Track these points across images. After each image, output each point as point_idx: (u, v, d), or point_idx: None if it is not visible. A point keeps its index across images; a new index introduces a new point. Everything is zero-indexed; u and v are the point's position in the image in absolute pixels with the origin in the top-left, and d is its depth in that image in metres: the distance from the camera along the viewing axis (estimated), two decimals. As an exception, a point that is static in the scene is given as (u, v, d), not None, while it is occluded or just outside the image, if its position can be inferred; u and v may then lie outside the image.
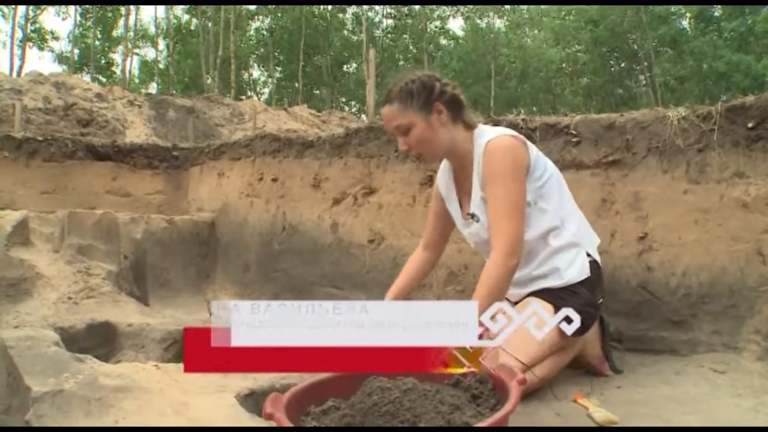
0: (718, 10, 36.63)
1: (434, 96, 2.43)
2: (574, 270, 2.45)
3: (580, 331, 2.43)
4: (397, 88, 2.45)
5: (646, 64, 38.87)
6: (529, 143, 2.49)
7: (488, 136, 2.42)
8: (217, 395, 2.40)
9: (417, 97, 2.42)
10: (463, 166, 2.55)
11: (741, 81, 30.46)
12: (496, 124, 3.56)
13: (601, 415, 2.09)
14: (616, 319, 2.95)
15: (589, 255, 2.53)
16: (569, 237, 2.48)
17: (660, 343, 2.91)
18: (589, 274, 2.47)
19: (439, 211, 2.78)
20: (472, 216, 2.53)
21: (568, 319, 2.36)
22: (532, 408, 2.23)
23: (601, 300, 2.56)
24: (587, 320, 2.43)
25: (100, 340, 3.77)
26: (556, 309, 2.33)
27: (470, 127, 2.53)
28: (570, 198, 2.62)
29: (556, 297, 2.40)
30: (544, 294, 2.43)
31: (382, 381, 1.60)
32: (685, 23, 39.61)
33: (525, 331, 2.31)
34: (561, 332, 2.34)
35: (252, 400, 2.47)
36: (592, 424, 2.06)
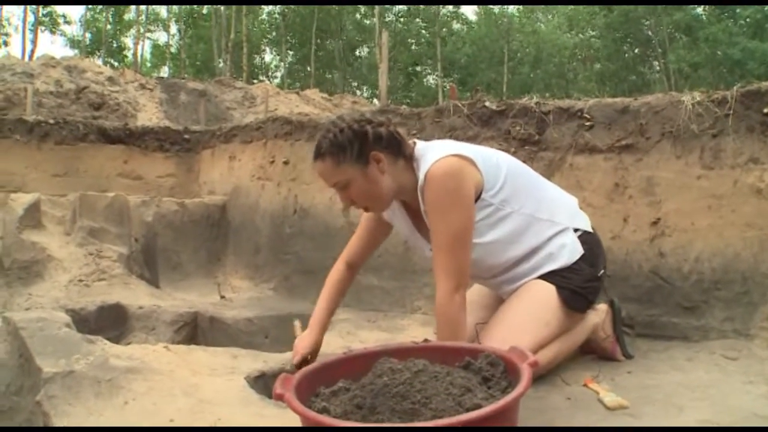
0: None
1: (369, 144, 2.19)
2: (566, 252, 2.38)
3: (586, 306, 2.42)
4: (326, 141, 2.20)
5: (660, 50, 38.61)
6: (477, 154, 2.28)
7: (428, 162, 2.18)
8: (227, 377, 2.41)
9: (350, 148, 2.18)
10: (414, 203, 2.32)
11: (756, 68, 30.19)
12: (508, 108, 3.55)
13: (611, 399, 2.08)
14: (628, 305, 2.94)
15: (577, 229, 2.45)
16: (548, 225, 2.39)
17: (672, 329, 2.90)
18: (583, 251, 2.40)
19: (373, 228, 2.61)
20: None
21: (570, 297, 2.37)
22: (543, 392, 2.23)
23: (603, 270, 2.49)
24: (591, 295, 2.42)
25: (110, 322, 3.80)
26: (558, 289, 2.33)
27: (411, 156, 2.30)
28: (536, 182, 2.49)
29: (557, 277, 2.36)
30: (544, 276, 2.37)
31: (393, 362, 1.60)
32: (700, 10, 39.26)
33: (531, 313, 2.31)
34: (567, 311, 2.35)
35: (262, 382, 2.48)
36: (602, 409, 2.05)
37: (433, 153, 2.22)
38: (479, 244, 2.30)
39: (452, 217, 2.15)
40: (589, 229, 2.51)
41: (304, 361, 2.40)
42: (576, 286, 2.35)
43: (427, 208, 2.21)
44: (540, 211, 2.38)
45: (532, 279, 2.38)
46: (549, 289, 2.34)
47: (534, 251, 2.38)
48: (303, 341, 2.48)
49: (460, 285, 2.16)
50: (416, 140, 2.37)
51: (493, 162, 2.33)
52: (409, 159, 2.29)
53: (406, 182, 2.28)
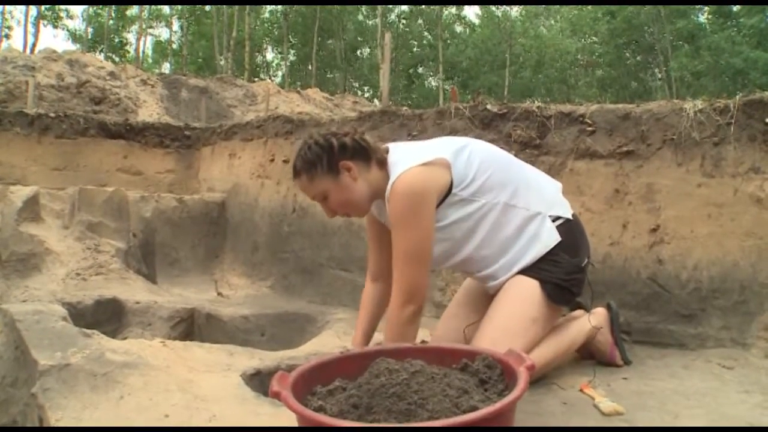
0: (736, 7, 36.23)
1: (336, 155, 2.30)
2: (541, 240, 2.38)
3: (571, 299, 2.43)
4: (299, 160, 2.35)
5: (662, 58, 38.60)
6: (449, 151, 2.32)
7: (395, 174, 2.24)
8: (222, 374, 2.41)
9: (319, 162, 2.30)
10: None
11: (758, 78, 30.16)
12: (509, 111, 3.55)
13: (607, 405, 2.08)
14: (626, 311, 2.94)
15: (558, 217, 2.43)
16: (523, 213, 2.38)
17: (668, 336, 2.91)
18: (560, 238, 2.38)
19: (378, 234, 2.62)
20: None
21: (554, 291, 2.36)
22: (539, 396, 2.23)
23: (586, 260, 2.48)
24: (575, 287, 2.41)
25: (107, 317, 3.79)
26: (542, 283, 2.33)
27: (385, 161, 2.37)
28: (513, 169, 2.47)
29: (538, 270, 2.35)
30: (526, 271, 2.37)
31: (390, 362, 1.59)
32: (702, 18, 39.23)
33: (517, 312, 2.32)
34: (552, 306, 2.35)
35: (257, 380, 2.48)
36: (597, 414, 2.06)
37: (401, 163, 2.27)
38: (456, 238, 2.35)
39: (411, 235, 2.21)
40: (569, 216, 2.48)
41: None
42: (559, 279, 2.35)
43: (390, 220, 2.27)
44: (515, 199, 2.38)
45: (514, 274, 2.38)
46: (532, 285, 2.34)
47: (511, 241, 2.38)
48: None
49: (410, 300, 2.23)
50: (389, 145, 2.44)
51: (464, 156, 2.35)
52: (382, 163, 2.37)
53: (382, 186, 2.32)
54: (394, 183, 2.22)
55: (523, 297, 2.33)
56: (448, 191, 2.29)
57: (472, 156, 2.37)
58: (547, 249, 2.37)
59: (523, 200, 2.39)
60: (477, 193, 2.32)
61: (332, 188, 2.32)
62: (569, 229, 2.44)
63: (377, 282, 2.67)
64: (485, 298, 2.55)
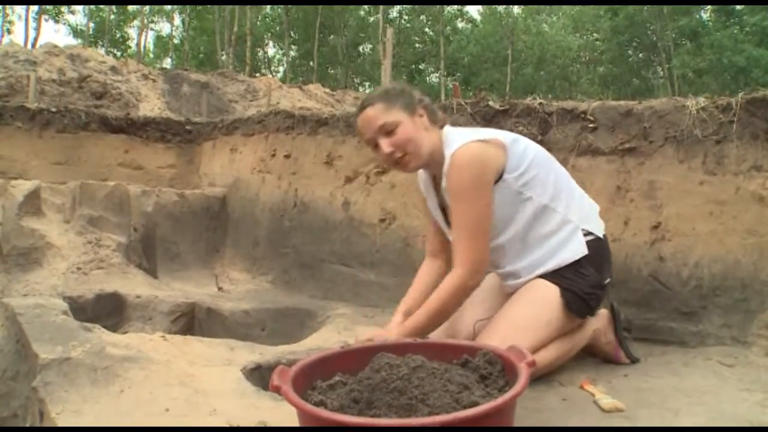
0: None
1: (416, 99, 2.42)
2: (569, 249, 2.39)
3: (588, 312, 2.42)
4: (375, 93, 2.45)
5: (664, 55, 38.53)
6: (507, 138, 2.40)
7: (454, 145, 2.31)
8: (223, 368, 2.41)
9: (400, 97, 2.39)
10: (439, 175, 2.44)
11: (761, 77, 30.03)
12: (511, 108, 3.54)
13: (607, 402, 2.08)
14: (626, 308, 2.94)
15: (590, 233, 2.45)
16: (559, 218, 2.41)
17: (669, 333, 2.90)
18: (587, 252, 2.40)
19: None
20: None
21: (573, 300, 2.36)
22: (538, 392, 2.23)
23: (608, 280, 2.50)
24: (594, 301, 2.42)
25: (108, 311, 3.79)
26: (562, 290, 2.33)
27: (441, 135, 2.46)
28: (560, 176, 2.52)
29: (561, 278, 2.36)
30: (548, 276, 2.38)
31: (391, 357, 1.59)
32: (705, 16, 39.11)
33: (532, 313, 2.32)
34: (568, 314, 2.35)
35: (258, 374, 2.48)
36: (597, 411, 2.06)
37: (460, 138, 2.34)
38: (493, 223, 2.36)
39: (473, 205, 2.26)
40: (600, 235, 2.50)
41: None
42: (580, 290, 2.35)
43: (450, 192, 2.31)
44: (555, 203, 2.41)
45: (535, 276, 2.40)
46: (552, 290, 2.34)
47: (541, 241, 2.41)
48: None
49: (477, 272, 2.28)
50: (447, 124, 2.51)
51: (521, 146, 2.41)
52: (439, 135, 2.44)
53: (436, 152, 2.39)
54: (455, 154, 2.28)
55: (541, 299, 2.34)
56: (500, 176, 2.33)
57: (528, 149, 2.43)
58: (573, 258, 2.39)
59: (562, 206, 2.43)
60: (524, 185, 2.37)
61: (405, 121, 2.34)
62: (599, 246, 2.46)
63: (437, 258, 2.67)
64: (502, 298, 2.55)
